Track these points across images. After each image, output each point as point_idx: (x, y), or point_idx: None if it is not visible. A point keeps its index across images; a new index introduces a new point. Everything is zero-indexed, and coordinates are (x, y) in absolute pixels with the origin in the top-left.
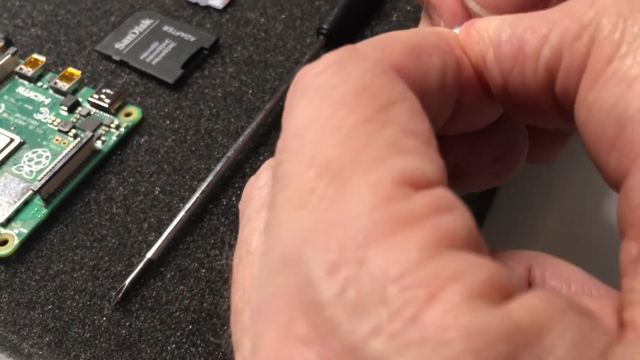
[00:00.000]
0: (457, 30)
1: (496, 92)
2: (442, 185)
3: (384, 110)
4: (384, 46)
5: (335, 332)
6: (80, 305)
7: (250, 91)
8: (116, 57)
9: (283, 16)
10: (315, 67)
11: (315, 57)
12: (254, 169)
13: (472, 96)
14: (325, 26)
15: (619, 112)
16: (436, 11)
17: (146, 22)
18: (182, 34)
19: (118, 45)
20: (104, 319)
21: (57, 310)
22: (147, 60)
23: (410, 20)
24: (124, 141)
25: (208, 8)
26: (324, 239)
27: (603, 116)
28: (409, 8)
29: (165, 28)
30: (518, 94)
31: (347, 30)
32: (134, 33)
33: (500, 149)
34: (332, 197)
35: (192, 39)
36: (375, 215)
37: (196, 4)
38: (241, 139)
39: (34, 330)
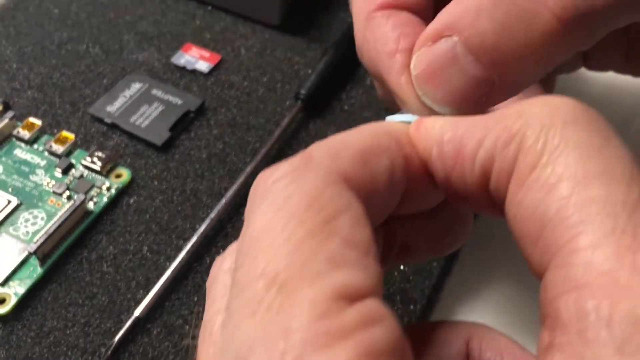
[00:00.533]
0: (410, 118)
1: (440, 184)
2: (375, 295)
3: (329, 223)
4: (335, 155)
5: None
6: None
7: (233, 152)
8: (108, 120)
9: (265, 79)
10: (274, 173)
11: (293, 120)
12: (236, 229)
13: (420, 186)
14: (302, 91)
15: (540, 214)
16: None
17: (136, 86)
18: (170, 98)
19: (110, 108)
20: None
21: None
22: (137, 123)
23: None
24: (114, 202)
25: (194, 72)
26: (268, 349)
27: (527, 216)
28: None
29: (154, 92)
30: (458, 188)
31: (323, 95)
32: (124, 96)
33: (444, 226)
34: (278, 309)
35: (179, 102)
36: (312, 329)
37: (183, 68)
38: (224, 200)
39: None
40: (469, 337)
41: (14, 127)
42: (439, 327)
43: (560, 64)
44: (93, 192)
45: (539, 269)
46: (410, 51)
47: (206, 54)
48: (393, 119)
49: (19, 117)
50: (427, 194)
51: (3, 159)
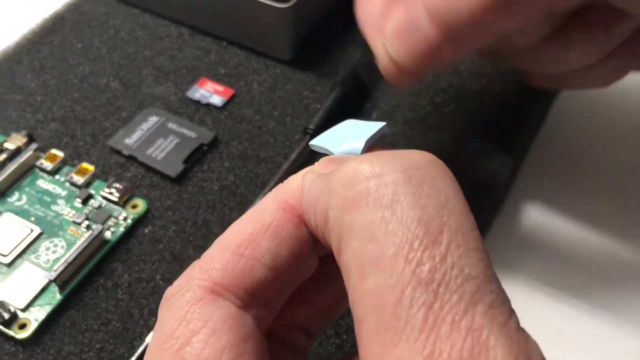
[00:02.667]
0: (329, 144)
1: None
2: None
3: (180, 349)
4: (207, 267)
5: None
6: None
7: (243, 185)
8: (126, 152)
9: (275, 113)
10: (169, 290)
11: (301, 154)
12: None
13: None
14: (311, 126)
15: (349, 298)
16: None
17: (153, 119)
18: (185, 131)
19: (128, 141)
20: None
21: None
22: (153, 155)
23: (390, 119)
24: (130, 232)
25: (209, 105)
26: None
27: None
28: (387, 108)
29: (170, 125)
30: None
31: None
32: (142, 129)
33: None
34: None
35: (194, 135)
36: None
37: (198, 102)
38: None
39: None
40: None
41: (38, 158)
42: None
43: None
44: (110, 222)
45: None
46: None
47: (220, 88)
48: (315, 144)
49: (42, 149)
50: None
51: (26, 189)
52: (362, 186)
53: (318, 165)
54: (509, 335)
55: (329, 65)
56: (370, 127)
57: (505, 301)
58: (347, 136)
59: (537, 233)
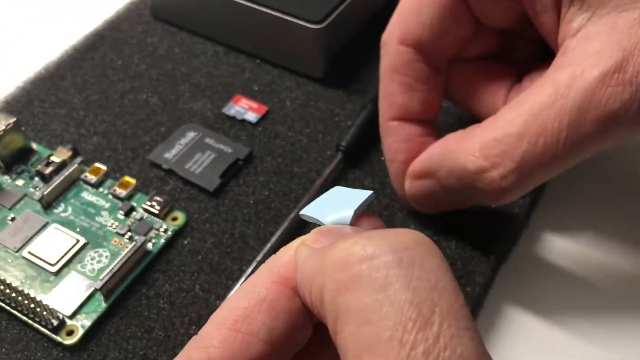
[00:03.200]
0: (320, 215)
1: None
2: None
3: None
4: (206, 345)
5: None
6: None
7: (278, 199)
8: (165, 166)
9: (308, 130)
10: None
11: (334, 170)
12: None
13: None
14: (342, 143)
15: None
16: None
17: (191, 134)
18: (221, 146)
19: (167, 155)
20: None
21: None
22: (191, 169)
23: None
24: (170, 243)
25: (243, 121)
26: None
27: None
28: None
29: (207, 140)
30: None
31: (361, 147)
32: (180, 144)
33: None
34: None
35: (230, 150)
36: None
37: (233, 118)
38: (269, 244)
39: None
40: None
41: (82, 171)
42: None
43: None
44: (152, 234)
45: None
46: (404, 163)
47: (254, 105)
48: (305, 213)
49: (86, 162)
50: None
51: (72, 200)
52: (355, 269)
53: (310, 238)
54: None
55: (359, 84)
56: (358, 196)
57: None
58: (336, 205)
59: (554, 262)
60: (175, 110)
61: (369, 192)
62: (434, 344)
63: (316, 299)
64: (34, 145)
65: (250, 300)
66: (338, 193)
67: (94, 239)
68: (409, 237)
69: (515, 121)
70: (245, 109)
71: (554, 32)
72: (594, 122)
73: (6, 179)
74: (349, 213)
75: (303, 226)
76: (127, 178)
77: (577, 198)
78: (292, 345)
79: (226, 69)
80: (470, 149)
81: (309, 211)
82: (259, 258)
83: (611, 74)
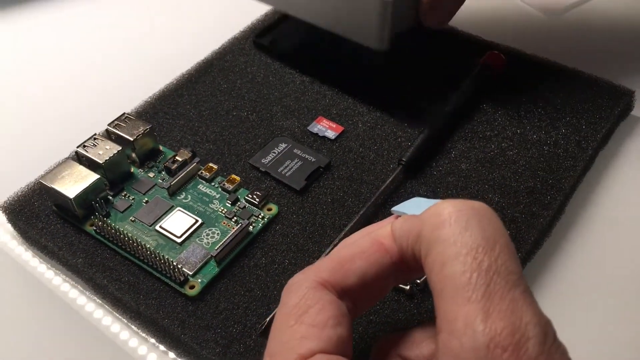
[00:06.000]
0: (409, 210)
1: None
2: (321, 352)
3: (302, 315)
4: (317, 269)
5: None
6: (237, 331)
7: (350, 199)
8: (262, 169)
9: (375, 147)
10: (291, 283)
11: (395, 180)
12: None
13: (403, 264)
14: (403, 158)
15: (430, 286)
16: None
17: (282, 145)
18: (307, 156)
19: (264, 160)
20: (252, 342)
21: (223, 333)
22: (283, 172)
23: (465, 159)
24: (266, 227)
25: (324, 138)
26: None
27: (429, 286)
28: (463, 149)
29: (295, 150)
30: (411, 264)
31: (419, 162)
32: (274, 152)
33: None
34: None
35: (313, 159)
36: None
37: (316, 134)
38: (342, 233)
39: (210, 344)
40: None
41: (199, 169)
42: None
43: None
44: (252, 219)
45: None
46: None
47: (333, 125)
48: (396, 210)
49: (202, 162)
50: (411, 270)
51: (191, 191)
52: (446, 214)
53: (401, 219)
54: (535, 307)
55: (418, 112)
56: (432, 202)
57: (531, 292)
58: (419, 207)
59: (574, 269)
60: (270, 125)
61: (438, 200)
62: (494, 261)
63: (413, 239)
64: (161, 147)
65: (355, 250)
66: (419, 200)
67: (208, 220)
68: (479, 203)
69: None
70: (325, 128)
71: None
72: None
73: (140, 171)
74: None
75: (369, 221)
76: (234, 176)
77: (599, 211)
78: (376, 289)
79: (311, 95)
80: None
81: (400, 208)
82: (335, 241)
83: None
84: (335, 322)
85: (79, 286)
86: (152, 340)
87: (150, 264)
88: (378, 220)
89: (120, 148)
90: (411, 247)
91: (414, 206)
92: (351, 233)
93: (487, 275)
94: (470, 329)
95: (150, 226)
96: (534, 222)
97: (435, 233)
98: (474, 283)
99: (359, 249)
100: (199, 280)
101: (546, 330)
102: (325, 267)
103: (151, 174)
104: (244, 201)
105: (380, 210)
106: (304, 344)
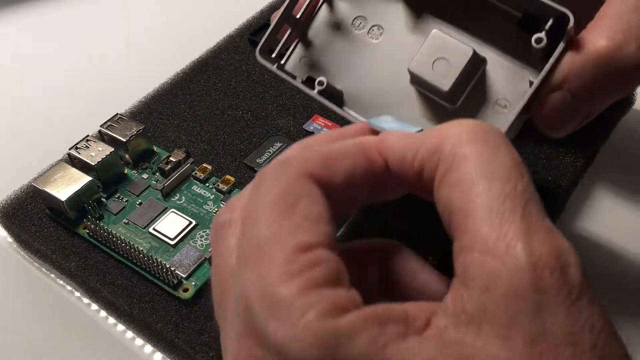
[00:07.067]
0: (383, 127)
1: (397, 180)
2: (322, 246)
3: (293, 205)
4: (304, 159)
5: (262, 331)
6: None
7: None
8: (257, 169)
9: None
10: (265, 171)
11: None
12: None
13: (385, 179)
14: None
15: (448, 205)
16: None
17: (277, 144)
18: None
19: (259, 160)
20: None
21: (217, 336)
22: None
23: None
24: None
25: None
26: (257, 286)
27: (443, 206)
28: None
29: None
30: (407, 185)
31: None
32: (269, 152)
33: None
34: (260, 259)
35: None
36: (279, 270)
37: (312, 133)
38: (339, 232)
39: (203, 348)
40: (383, 259)
41: (193, 169)
42: (354, 251)
43: None
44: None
45: (452, 238)
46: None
47: (329, 123)
48: (371, 122)
49: (196, 163)
50: (390, 187)
51: (185, 192)
52: (478, 131)
53: (397, 134)
54: (552, 229)
55: None
56: (410, 125)
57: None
58: (401, 126)
59: (592, 237)
60: (265, 124)
61: (418, 127)
62: (527, 186)
63: (427, 154)
64: (155, 148)
65: (339, 149)
66: (392, 119)
67: (202, 222)
68: (495, 126)
69: (625, 5)
70: (321, 126)
71: None
72: None
73: (134, 172)
74: (416, 129)
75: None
76: (228, 176)
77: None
78: (351, 203)
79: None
80: (598, 35)
81: (376, 121)
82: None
83: None
84: (330, 219)
85: (74, 291)
86: (148, 345)
87: (144, 267)
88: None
89: (113, 149)
90: (419, 163)
91: (393, 123)
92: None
93: (522, 199)
94: (514, 249)
95: (143, 228)
96: (550, 189)
97: (462, 150)
98: (511, 204)
99: (344, 150)
100: (193, 283)
101: (581, 260)
102: (312, 158)
103: (145, 175)
104: None
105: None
106: (299, 235)
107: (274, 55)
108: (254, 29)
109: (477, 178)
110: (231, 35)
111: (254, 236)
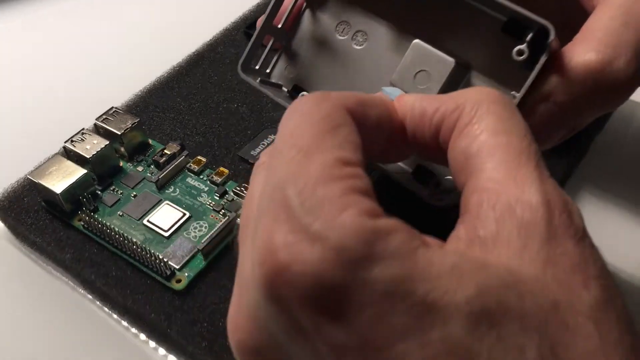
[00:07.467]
0: (394, 96)
1: (410, 138)
2: (358, 165)
3: (335, 128)
4: (343, 96)
5: (298, 220)
6: (223, 325)
7: None
8: (251, 161)
9: None
10: (305, 99)
11: None
12: None
13: (398, 137)
14: None
15: (467, 151)
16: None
17: (272, 137)
18: None
19: (253, 152)
20: None
21: (210, 327)
22: None
23: None
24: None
25: None
26: (297, 180)
27: (460, 153)
28: None
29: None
30: (420, 140)
31: None
32: (263, 144)
33: None
34: (301, 162)
35: None
36: (321, 174)
37: None
38: None
39: (196, 339)
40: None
41: (187, 162)
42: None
43: None
44: (240, 212)
45: (461, 186)
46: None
47: None
48: (385, 90)
49: (191, 155)
50: (401, 147)
51: (179, 184)
52: (497, 95)
53: (414, 95)
54: (557, 184)
55: None
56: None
57: None
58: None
59: None
60: (260, 117)
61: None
62: (537, 147)
63: (444, 113)
64: (150, 141)
65: (369, 97)
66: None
67: (196, 214)
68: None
69: (614, 20)
70: None
71: None
72: None
73: (129, 165)
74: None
75: None
76: (222, 168)
77: (608, 178)
78: (373, 152)
79: None
80: (586, 49)
81: (387, 90)
82: None
83: None
84: (360, 147)
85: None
86: (142, 336)
87: (138, 258)
88: None
89: (108, 142)
90: (440, 117)
91: (396, 92)
92: None
93: (535, 155)
94: (530, 188)
95: (138, 220)
96: None
97: (484, 108)
98: (526, 157)
99: (374, 98)
100: (186, 274)
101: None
102: (349, 96)
103: (140, 168)
104: (232, 194)
105: None
106: (342, 152)
107: (258, 67)
108: (250, 22)
109: (498, 131)
110: (227, 29)
111: (297, 144)
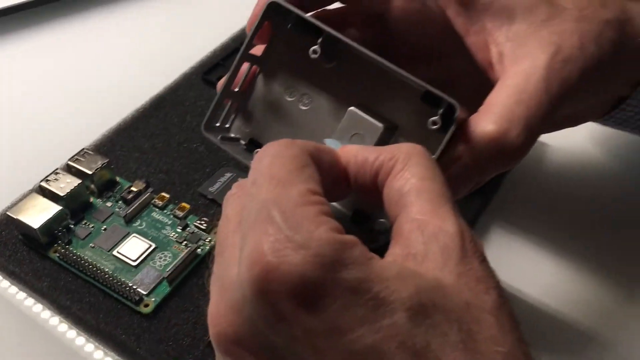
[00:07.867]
0: (337, 146)
1: (352, 180)
2: (322, 195)
3: (303, 166)
4: (306, 144)
5: (283, 232)
6: (186, 343)
7: None
8: (210, 197)
9: None
10: (275, 144)
11: None
12: None
13: (341, 179)
14: None
15: (399, 191)
16: None
17: (228, 174)
18: None
19: (211, 189)
20: (200, 353)
21: (174, 345)
22: None
23: None
24: (213, 250)
25: None
26: (279, 203)
27: (394, 191)
28: None
29: (239, 179)
30: (361, 181)
31: None
32: (220, 181)
33: None
34: (280, 191)
35: None
36: (298, 200)
37: None
38: None
39: (162, 356)
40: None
41: (152, 198)
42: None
43: None
44: (200, 243)
45: (393, 218)
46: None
47: None
48: (327, 142)
49: (155, 192)
50: (342, 187)
51: (145, 218)
52: (422, 149)
53: (356, 147)
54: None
55: None
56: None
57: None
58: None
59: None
60: (217, 156)
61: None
62: (448, 188)
63: (384, 160)
64: (118, 179)
65: (322, 146)
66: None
67: (161, 245)
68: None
69: (510, 98)
70: None
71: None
72: (559, 85)
73: (99, 201)
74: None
75: None
76: (184, 204)
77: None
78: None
79: None
80: (487, 121)
81: (329, 142)
82: None
83: (554, 56)
84: (321, 183)
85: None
86: (112, 354)
87: (109, 286)
88: None
89: (80, 181)
90: (379, 163)
91: (337, 144)
92: None
93: (451, 198)
94: (448, 220)
95: (108, 251)
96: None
97: (414, 158)
98: (445, 198)
99: (325, 147)
100: (153, 299)
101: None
102: (308, 144)
103: (109, 204)
104: (193, 227)
105: None
106: (310, 185)
107: (219, 124)
108: (207, 68)
109: (425, 177)
110: (186, 74)
111: (275, 177)
